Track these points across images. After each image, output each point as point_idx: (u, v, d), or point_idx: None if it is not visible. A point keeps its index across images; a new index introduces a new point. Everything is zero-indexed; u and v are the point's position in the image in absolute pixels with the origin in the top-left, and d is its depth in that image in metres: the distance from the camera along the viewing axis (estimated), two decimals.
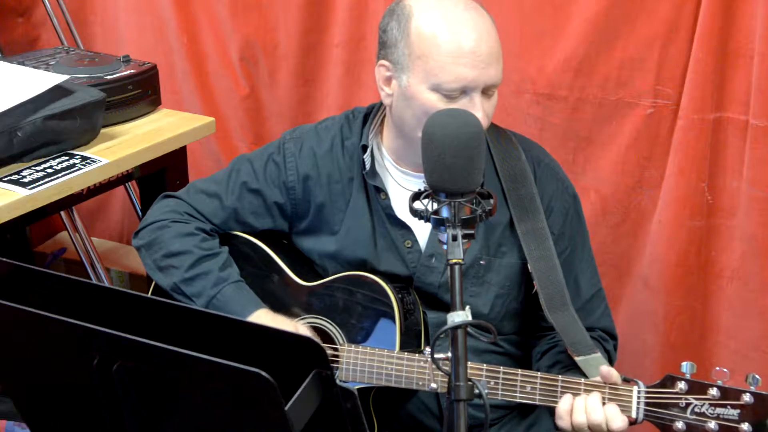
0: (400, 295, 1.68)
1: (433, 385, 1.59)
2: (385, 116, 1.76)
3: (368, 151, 1.73)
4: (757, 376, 1.41)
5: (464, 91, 1.57)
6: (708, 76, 2.02)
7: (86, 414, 1.22)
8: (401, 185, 1.74)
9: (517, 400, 1.56)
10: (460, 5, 1.60)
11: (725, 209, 2.11)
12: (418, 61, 1.59)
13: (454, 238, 1.27)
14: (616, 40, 2.13)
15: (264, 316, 1.69)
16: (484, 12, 1.62)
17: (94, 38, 2.98)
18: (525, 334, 1.80)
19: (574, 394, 1.52)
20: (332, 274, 1.76)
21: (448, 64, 1.56)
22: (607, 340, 1.76)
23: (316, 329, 1.72)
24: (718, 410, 1.42)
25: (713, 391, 1.42)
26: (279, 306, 1.75)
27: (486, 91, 1.60)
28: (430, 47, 1.57)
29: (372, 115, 1.77)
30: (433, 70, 1.57)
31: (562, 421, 1.51)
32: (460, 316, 1.22)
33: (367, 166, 1.73)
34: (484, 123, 1.58)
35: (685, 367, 1.45)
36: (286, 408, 1.01)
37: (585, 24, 2.15)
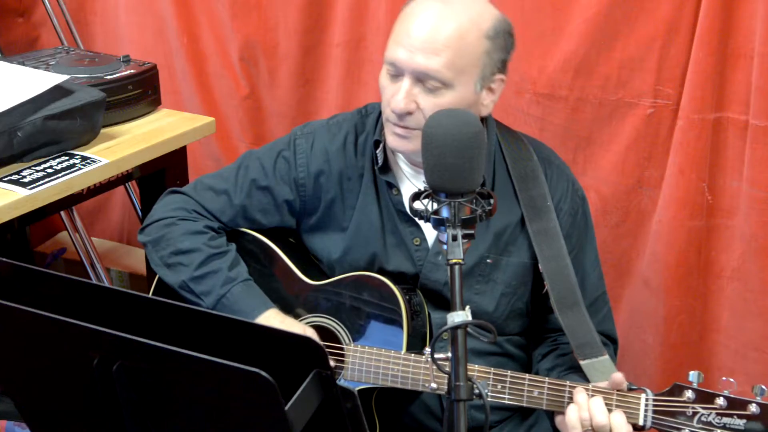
0: (407, 297, 1.68)
1: (433, 385, 1.59)
2: None
3: (381, 146, 1.73)
4: (763, 387, 1.42)
5: (395, 69, 1.61)
6: (708, 76, 2.02)
7: (86, 414, 1.21)
8: (413, 183, 1.74)
9: (524, 405, 1.56)
10: None
11: (725, 209, 2.11)
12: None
13: (454, 238, 1.27)
14: (616, 40, 2.13)
15: (273, 317, 1.69)
16: (459, 6, 1.61)
17: (94, 38, 2.98)
18: (529, 335, 1.81)
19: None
20: (340, 273, 1.76)
21: (392, 41, 1.62)
22: (607, 345, 1.75)
23: (322, 328, 1.72)
24: (725, 420, 1.43)
25: (720, 401, 1.43)
26: (286, 304, 1.75)
27: (423, 82, 1.59)
28: (393, 28, 1.65)
29: None
30: (388, 45, 1.64)
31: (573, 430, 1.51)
32: (460, 316, 1.22)
33: (380, 161, 1.73)
34: (398, 105, 1.59)
35: (693, 376, 1.46)
36: (286, 408, 1.01)
37: (585, 24, 2.15)
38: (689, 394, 1.45)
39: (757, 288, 2.09)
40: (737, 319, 2.15)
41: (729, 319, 2.17)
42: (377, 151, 1.73)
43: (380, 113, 1.78)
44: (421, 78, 1.59)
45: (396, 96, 1.59)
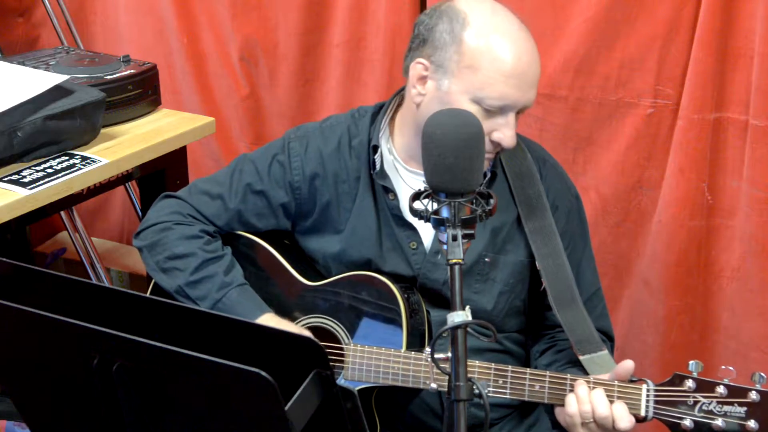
0: (405, 295, 1.68)
1: (433, 385, 1.59)
2: (394, 114, 1.76)
3: (378, 151, 1.73)
4: (763, 375, 1.43)
5: (503, 109, 1.58)
6: (708, 76, 2.02)
7: (86, 414, 1.21)
8: (410, 186, 1.73)
9: (526, 399, 1.57)
10: (515, 24, 1.60)
11: (725, 209, 2.12)
12: (467, 70, 1.58)
13: (454, 238, 1.27)
14: (616, 40, 2.13)
15: (270, 321, 1.69)
16: (522, 23, 1.63)
17: (94, 38, 2.98)
18: (528, 332, 1.81)
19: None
20: (336, 274, 1.76)
21: (497, 81, 1.56)
22: (605, 341, 1.76)
23: (321, 329, 1.72)
24: (726, 408, 1.44)
25: (720, 389, 1.44)
26: (283, 306, 1.75)
27: (521, 110, 1.62)
28: (483, 61, 1.57)
29: (381, 114, 1.77)
30: (479, 84, 1.57)
31: (570, 418, 1.51)
32: (460, 316, 1.22)
33: (377, 166, 1.72)
34: (513, 142, 1.61)
35: (692, 365, 1.47)
36: (286, 408, 1.01)
37: (585, 24, 2.15)
38: (689, 383, 1.46)
39: (757, 288, 2.09)
40: (737, 319, 2.15)
41: (729, 319, 2.17)
42: (375, 156, 1.73)
43: (373, 116, 1.78)
44: (523, 109, 1.62)
45: (508, 133, 1.59)
